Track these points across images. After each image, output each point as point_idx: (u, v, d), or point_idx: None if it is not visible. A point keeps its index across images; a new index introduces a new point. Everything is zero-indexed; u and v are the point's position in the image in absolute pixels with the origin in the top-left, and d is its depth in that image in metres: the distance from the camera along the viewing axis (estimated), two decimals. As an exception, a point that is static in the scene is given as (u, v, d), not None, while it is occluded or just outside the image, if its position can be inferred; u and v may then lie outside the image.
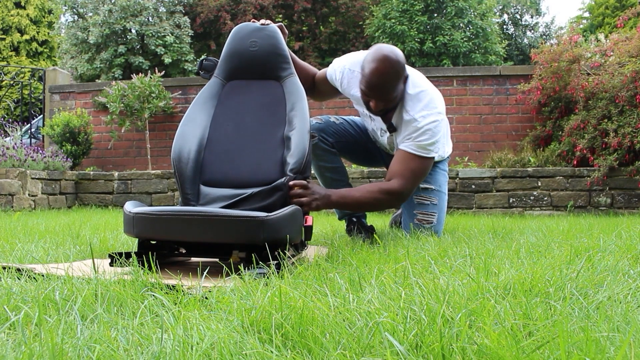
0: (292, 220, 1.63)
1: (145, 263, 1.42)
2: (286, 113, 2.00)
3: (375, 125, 2.48)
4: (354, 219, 2.66)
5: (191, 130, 1.95)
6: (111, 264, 1.51)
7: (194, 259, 1.88)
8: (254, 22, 2.17)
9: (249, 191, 1.81)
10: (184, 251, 1.81)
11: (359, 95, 2.27)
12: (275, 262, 1.44)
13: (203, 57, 2.23)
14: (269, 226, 1.50)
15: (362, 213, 2.70)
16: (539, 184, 5.10)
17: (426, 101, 2.22)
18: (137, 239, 1.68)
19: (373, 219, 3.54)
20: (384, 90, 2.13)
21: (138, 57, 13.86)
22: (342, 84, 2.42)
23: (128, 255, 1.51)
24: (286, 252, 1.52)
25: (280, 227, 1.53)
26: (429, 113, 2.20)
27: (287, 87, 2.05)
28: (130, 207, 1.62)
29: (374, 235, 2.46)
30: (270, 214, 1.51)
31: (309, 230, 1.89)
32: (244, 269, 1.36)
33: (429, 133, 2.19)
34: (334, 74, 2.44)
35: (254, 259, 1.50)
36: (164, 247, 1.75)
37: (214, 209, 1.55)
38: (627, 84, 5.08)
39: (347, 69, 2.38)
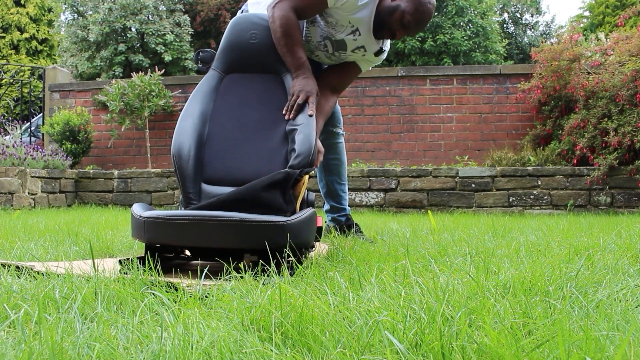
0: (310, 223, 1.55)
1: (147, 265, 1.36)
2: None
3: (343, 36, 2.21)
4: (342, 218, 2.64)
5: (190, 126, 1.86)
6: (121, 271, 1.41)
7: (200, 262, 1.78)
8: None
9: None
10: (188, 254, 1.73)
11: (368, 16, 2.08)
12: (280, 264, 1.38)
13: (199, 49, 2.12)
14: (290, 231, 1.42)
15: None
16: (539, 183, 5.10)
17: None
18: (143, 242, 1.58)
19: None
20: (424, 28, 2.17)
21: (138, 55, 13.82)
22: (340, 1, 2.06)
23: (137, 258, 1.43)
24: (303, 256, 1.46)
25: (300, 231, 1.45)
26: None
27: (289, 81, 1.96)
28: (140, 210, 1.52)
29: (374, 234, 2.46)
30: (290, 218, 1.43)
31: (319, 230, 1.85)
32: (252, 272, 1.30)
33: None
34: None
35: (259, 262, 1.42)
36: (170, 249, 1.67)
37: (232, 213, 1.45)
38: (627, 82, 5.08)
39: None
